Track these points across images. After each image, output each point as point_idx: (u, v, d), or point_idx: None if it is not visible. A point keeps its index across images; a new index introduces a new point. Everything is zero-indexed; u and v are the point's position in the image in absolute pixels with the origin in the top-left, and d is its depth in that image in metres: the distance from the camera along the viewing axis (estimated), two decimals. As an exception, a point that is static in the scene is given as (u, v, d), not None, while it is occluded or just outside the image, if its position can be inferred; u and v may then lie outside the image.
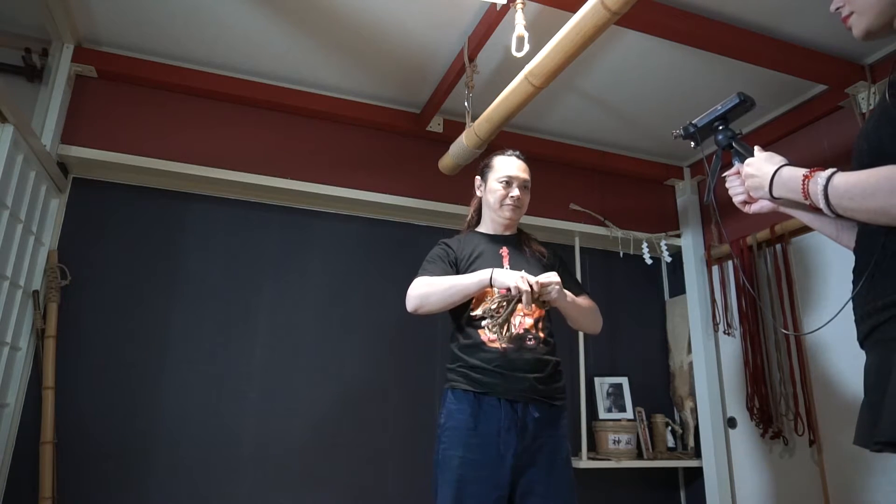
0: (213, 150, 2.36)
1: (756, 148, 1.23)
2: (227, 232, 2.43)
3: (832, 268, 2.31)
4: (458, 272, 1.79)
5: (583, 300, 1.86)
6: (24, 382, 2.02)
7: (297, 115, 2.53)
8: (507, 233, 1.90)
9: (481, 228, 1.94)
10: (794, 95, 2.47)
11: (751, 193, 1.23)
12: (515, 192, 1.84)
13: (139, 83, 2.32)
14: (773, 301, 2.51)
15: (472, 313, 1.68)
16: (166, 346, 2.24)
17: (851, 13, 1.13)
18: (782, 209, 1.22)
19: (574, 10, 1.62)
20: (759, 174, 1.17)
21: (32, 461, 1.95)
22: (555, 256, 1.94)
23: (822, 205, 1.02)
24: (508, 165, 1.86)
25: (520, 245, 1.89)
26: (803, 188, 1.05)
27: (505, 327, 1.58)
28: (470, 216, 2.00)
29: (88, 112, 2.25)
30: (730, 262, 2.77)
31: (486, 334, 1.68)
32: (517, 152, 1.91)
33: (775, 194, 1.13)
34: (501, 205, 1.85)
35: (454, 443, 1.63)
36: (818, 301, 2.35)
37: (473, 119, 2.17)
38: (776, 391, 2.45)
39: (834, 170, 1.02)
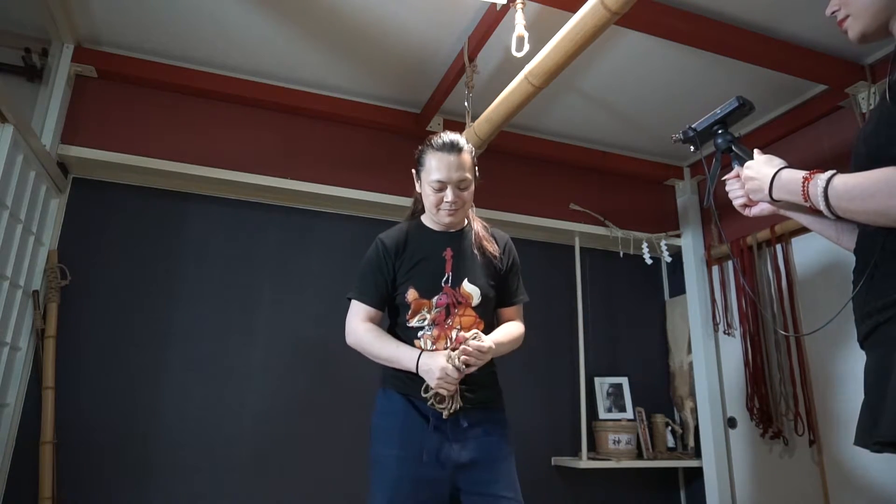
0: (214, 150, 2.36)
1: (755, 151, 1.23)
2: (226, 232, 2.43)
3: (832, 268, 2.31)
4: (395, 277, 1.64)
5: (508, 329, 1.70)
6: (24, 382, 2.02)
7: (297, 115, 2.53)
8: (453, 229, 1.70)
9: (426, 220, 1.73)
10: (794, 95, 2.46)
11: (750, 196, 1.23)
12: (450, 196, 1.60)
13: (139, 83, 2.32)
14: (773, 301, 2.51)
15: (409, 325, 1.61)
16: (166, 347, 2.24)
17: (847, 16, 1.14)
18: (782, 212, 1.21)
19: (574, 10, 1.62)
20: (759, 177, 1.16)
21: (32, 461, 1.95)
22: (508, 256, 1.74)
23: (822, 206, 1.02)
24: (439, 166, 1.60)
25: (467, 244, 1.69)
26: (803, 190, 1.05)
27: (450, 404, 1.54)
28: (413, 204, 1.80)
29: (88, 112, 2.24)
30: (730, 262, 2.77)
31: (422, 344, 1.60)
32: (452, 139, 1.63)
33: (775, 196, 1.13)
34: (437, 210, 1.64)
35: (388, 442, 1.57)
36: (818, 301, 2.35)
37: (473, 119, 2.17)
38: (776, 391, 2.45)
39: (833, 172, 1.02)
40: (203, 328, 2.30)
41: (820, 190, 1.02)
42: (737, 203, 1.30)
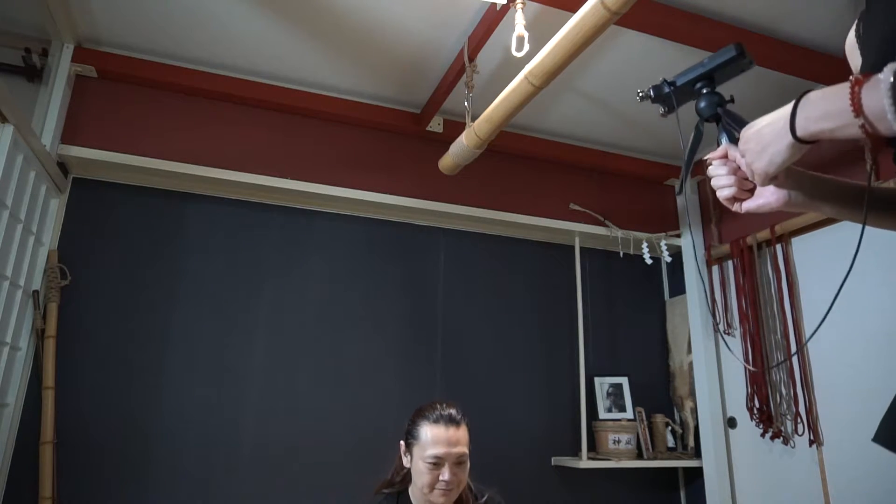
0: (213, 150, 2.36)
1: None
2: (227, 232, 2.43)
3: (833, 268, 2.31)
4: None
5: None
6: (24, 382, 2.02)
7: (296, 115, 2.53)
8: None
9: (414, 501, 1.63)
10: (794, 95, 2.45)
11: (754, 164, 0.82)
12: (447, 475, 1.51)
13: (139, 83, 2.33)
14: (773, 301, 2.51)
15: None
16: (166, 346, 2.24)
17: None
18: (793, 201, 0.86)
19: (574, 10, 1.62)
20: (769, 121, 0.80)
21: (32, 461, 1.95)
22: None
23: (890, 115, 0.64)
24: (438, 440, 1.53)
25: None
26: (853, 101, 0.67)
27: None
28: (393, 475, 1.70)
29: (88, 112, 2.25)
30: (730, 262, 2.77)
31: None
32: (451, 412, 1.58)
33: (803, 133, 0.75)
34: (432, 489, 1.53)
35: None
36: (819, 301, 2.35)
37: (473, 119, 2.17)
38: (776, 391, 2.45)
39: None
40: (203, 328, 2.30)
41: (886, 90, 0.63)
42: (723, 195, 0.92)
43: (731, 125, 0.92)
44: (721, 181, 0.91)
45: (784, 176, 0.82)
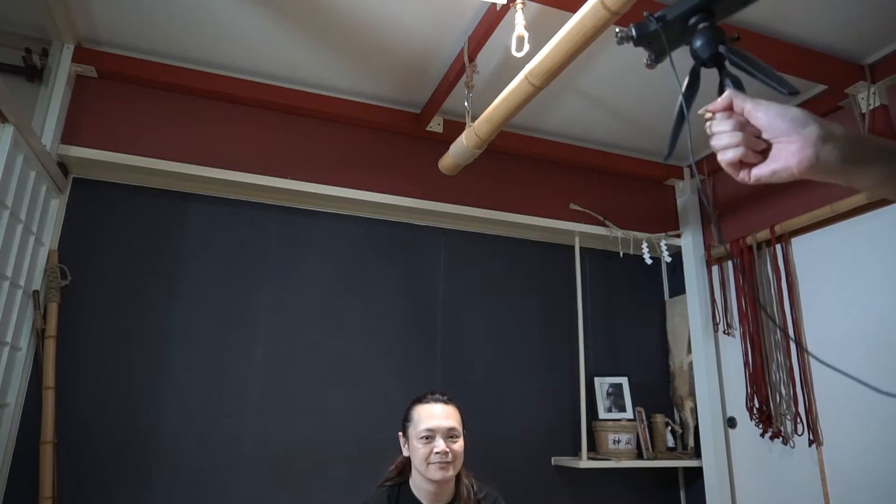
0: (213, 150, 2.36)
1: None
2: (227, 232, 2.43)
3: (832, 268, 2.31)
4: None
5: None
6: (24, 382, 2.02)
7: (296, 114, 2.53)
8: (444, 501, 1.66)
9: (415, 490, 1.68)
10: (793, 95, 2.46)
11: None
12: (440, 445, 1.59)
13: (139, 83, 2.33)
14: (773, 301, 2.51)
15: None
16: (166, 346, 2.25)
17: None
18: (821, 165, 0.63)
19: (574, 10, 1.62)
20: None
21: (32, 461, 1.95)
22: None
23: None
24: (428, 415, 1.65)
25: None
26: None
27: None
28: (391, 473, 1.77)
29: (88, 112, 2.25)
30: (730, 262, 2.77)
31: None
32: (438, 394, 1.73)
33: None
34: (427, 464, 1.60)
35: None
36: (818, 301, 2.35)
37: (473, 119, 2.17)
38: (776, 391, 2.45)
39: None
40: (203, 328, 2.30)
41: None
42: (727, 157, 0.69)
43: (742, 66, 0.72)
44: (724, 140, 0.68)
45: (820, 127, 0.60)
